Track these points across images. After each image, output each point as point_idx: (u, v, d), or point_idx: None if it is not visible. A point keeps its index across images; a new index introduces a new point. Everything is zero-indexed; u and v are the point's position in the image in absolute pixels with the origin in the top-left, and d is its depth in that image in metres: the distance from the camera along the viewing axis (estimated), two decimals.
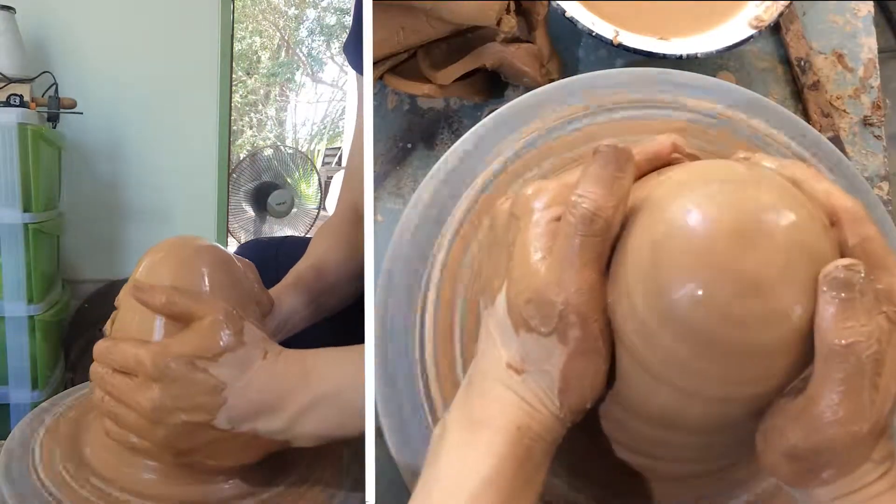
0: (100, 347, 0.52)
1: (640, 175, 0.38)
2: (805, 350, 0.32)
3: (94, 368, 0.52)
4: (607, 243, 0.35)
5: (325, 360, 0.54)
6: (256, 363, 0.51)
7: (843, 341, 0.30)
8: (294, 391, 0.51)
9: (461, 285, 0.48)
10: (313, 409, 0.51)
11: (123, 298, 0.56)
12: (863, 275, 0.30)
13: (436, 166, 0.49)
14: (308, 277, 0.76)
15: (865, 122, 0.65)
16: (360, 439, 0.60)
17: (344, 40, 0.89)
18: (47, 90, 1.85)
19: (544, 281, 0.34)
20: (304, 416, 0.51)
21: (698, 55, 0.58)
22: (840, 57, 0.67)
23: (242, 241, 2.64)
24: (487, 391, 0.36)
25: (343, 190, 0.90)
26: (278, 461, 0.58)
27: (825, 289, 0.31)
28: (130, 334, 0.54)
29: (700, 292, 0.31)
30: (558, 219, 0.35)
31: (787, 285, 0.31)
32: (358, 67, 0.85)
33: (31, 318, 1.62)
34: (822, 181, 0.36)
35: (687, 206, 0.33)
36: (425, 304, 0.47)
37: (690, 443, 0.39)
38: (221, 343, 0.49)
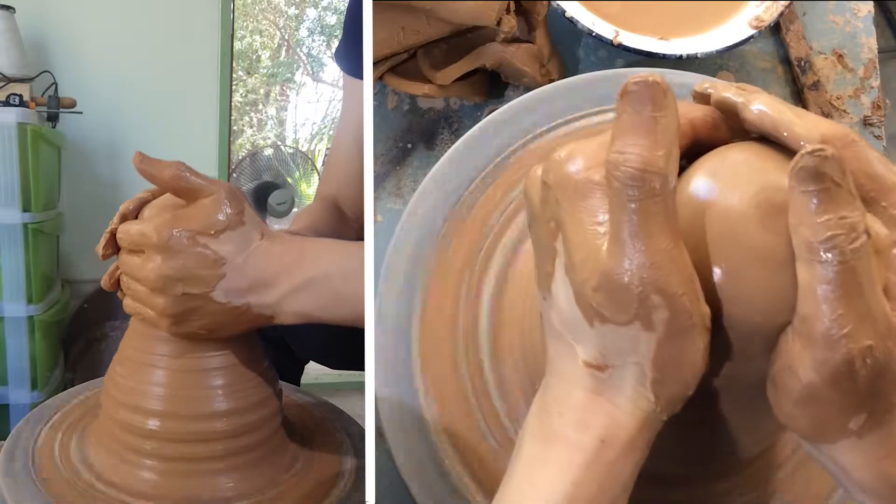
0: (118, 231, 0.55)
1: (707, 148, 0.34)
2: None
3: (120, 253, 0.55)
4: (670, 199, 0.29)
5: (319, 247, 0.57)
6: (255, 242, 0.53)
7: (821, 236, 0.26)
8: (288, 271, 0.53)
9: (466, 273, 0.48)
10: (303, 290, 0.53)
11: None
12: (836, 163, 0.26)
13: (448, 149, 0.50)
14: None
15: (865, 122, 0.65)
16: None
17: None
18: (47, 90, 1.85)
19: (609, 262, 0.29)
20: (294, 294, 0.53)
21: (698, 55, 0.58)
22: (840, 57, 0.66)
23: None
24: (565, 397, 0.32)
25: (322, 182, 0.92)
26: (276, 460, 0.58)
27: (794, 183, 0.26)
28: None
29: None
30: None
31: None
32: (350, 72, 0.85)
33: (30, 318, 1.62)
34: (793, 108, 0.32)
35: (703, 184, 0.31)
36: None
37: None
38: (222, 220, 0.52)
